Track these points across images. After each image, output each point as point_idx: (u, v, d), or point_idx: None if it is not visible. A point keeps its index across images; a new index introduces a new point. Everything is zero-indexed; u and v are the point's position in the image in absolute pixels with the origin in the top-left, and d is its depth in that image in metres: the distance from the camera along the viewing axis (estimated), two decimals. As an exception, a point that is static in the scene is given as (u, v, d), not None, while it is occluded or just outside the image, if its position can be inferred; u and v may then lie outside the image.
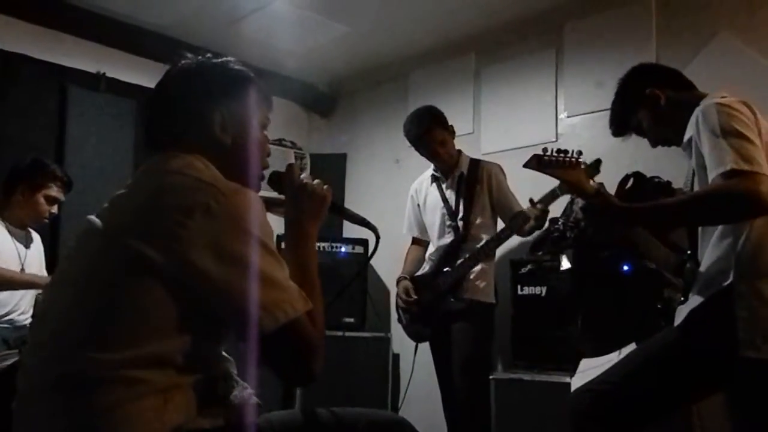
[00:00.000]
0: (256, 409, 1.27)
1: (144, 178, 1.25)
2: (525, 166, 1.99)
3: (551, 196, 2.88)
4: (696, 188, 1.77)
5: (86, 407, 1.05)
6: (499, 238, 3.04)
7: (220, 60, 1.37)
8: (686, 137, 1.80)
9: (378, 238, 1.45)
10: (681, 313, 1.77)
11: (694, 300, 1.74)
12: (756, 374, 1.61)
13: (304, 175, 1.37)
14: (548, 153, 1.96)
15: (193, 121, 1.29)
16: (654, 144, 1.98)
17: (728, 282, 1.64)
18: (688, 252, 1.87)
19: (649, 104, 1.89)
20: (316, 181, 1.37)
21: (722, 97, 1.74)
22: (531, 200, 2.90)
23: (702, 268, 1.76)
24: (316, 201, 1.35)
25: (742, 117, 1.64)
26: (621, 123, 1.99)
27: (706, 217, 1.69)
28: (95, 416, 1.05)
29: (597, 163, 2.53)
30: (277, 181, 1.40)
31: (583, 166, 1.98)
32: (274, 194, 1.42)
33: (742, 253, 1.64)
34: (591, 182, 1.96)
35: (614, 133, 2.02)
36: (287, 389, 1.85)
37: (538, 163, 1.98)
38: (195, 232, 1.07)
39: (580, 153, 1.97)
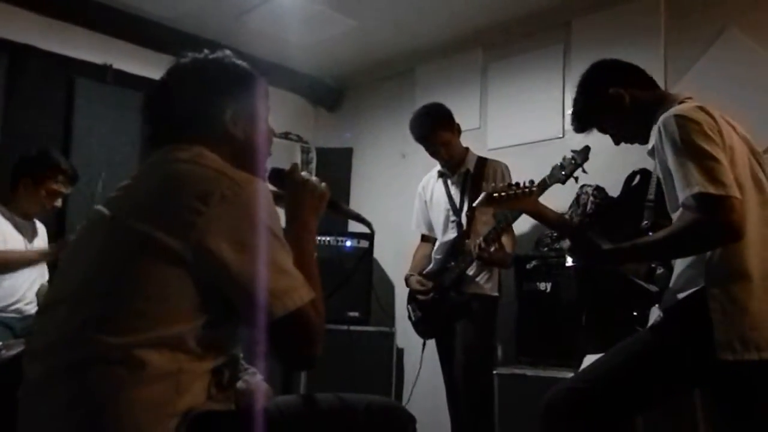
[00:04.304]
0: (266, 395, 1.30)
1: (153, 167, 1.28)
2: (476, 205, 2.00)
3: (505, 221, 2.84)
4: (666, 196, 1.76)
5: (93, 391, 1.07)
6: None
7: (223, 55, 1.41)
8: (650, 145, 1.79)
9: (372, 232, 1.54)
10: (654, 315, 1.78)
11: (668, 301, 1.74)
12: (733, 376, 1.61)
13: (305, 173, 1.44)
14: (497, 191, 1.95)
15: (202, 116, 1.32)
16: (617, 142, 1.96)
17: (701, 286, 1.64)
18: None
19: (613, 104, 1.87)
20: (314, 178, 1.43)
21: (682, 102, 1.73)
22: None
23: (675, 274, 1.76)
24: (317, 197, 1.41)
25: (703, 129, 1.61)
26: (583, 121, 1.97)
27: (685, 253, 1.70)
28: (101, 400, 1.06)
29: (586, 150, 2.45)
30: (277, 177, 1.45)
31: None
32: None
33: (714, 258, 1.63)
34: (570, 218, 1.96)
35: (576, 130, 1.99)
36: (289, 376, 1.88)
37: (488, 201, 1.96)
38: (210, 220, 1.11)
39: (531, 182, 1.97)
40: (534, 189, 1.96)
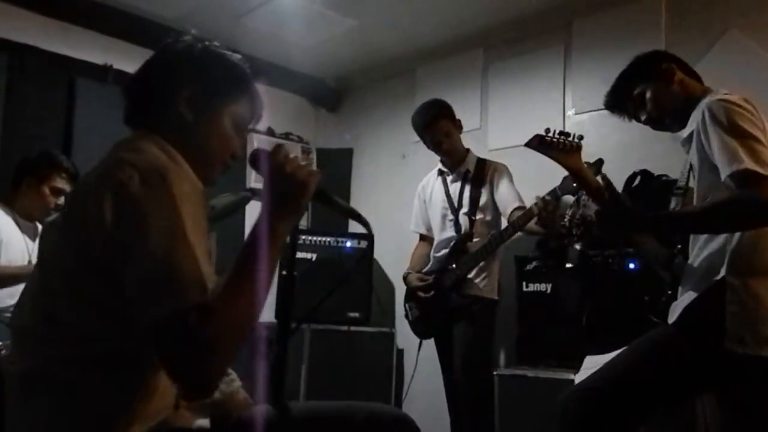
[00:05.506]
0: (245, 404, 1.23)
1: (99, 162, 1.19)
2: (526, 145, 1.99)
3: (553, 197, 2.82)
4: (694, 183, 1.77)
5: (47, 405, 1.04)
6: (502, 237, 2.96)
7: (213, 47, 1.28)
8: (687, 131, 1.80)
9: (370, 232, 1.32)
10: (675, 310, 1.76)
11: (687, 295, 1.73)
12: (741, 369, 1.62)
13: (293, 155, 1.15)
14: (551, 133, 1.96)
15: (159, 97, 1.23)
16: (646, 120, 1.94)
17: (719, 277, 1.64)
18: (679, 246, 1.87)
19: (663, 78, 1.89)
20: (303, 162, 1.14)
21: (726, 94, 1.74)
22: (537, 197, 2.83)
23: (693, 263, 1.76)
24: (293, 188, 1.10)
25: (748, 115, 1.65)
26: (623, 91, 1.97)
27: (724, 228, 1.68)
28: (56, 414, 1.04)
29: (599, 163, 2.47)
30: (253, 160, 1.16)
31: (585, 160, 1.96)
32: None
33: (737, 250, 1.65)
34: (598, 179, 1.95)
35: (608, 103, 2.00)
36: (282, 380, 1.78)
37: (539, 143, 1.97)
38: (108, 212, 1.01)
39: (581, 137, 1.96)
40: (581, 145, 1.94)
